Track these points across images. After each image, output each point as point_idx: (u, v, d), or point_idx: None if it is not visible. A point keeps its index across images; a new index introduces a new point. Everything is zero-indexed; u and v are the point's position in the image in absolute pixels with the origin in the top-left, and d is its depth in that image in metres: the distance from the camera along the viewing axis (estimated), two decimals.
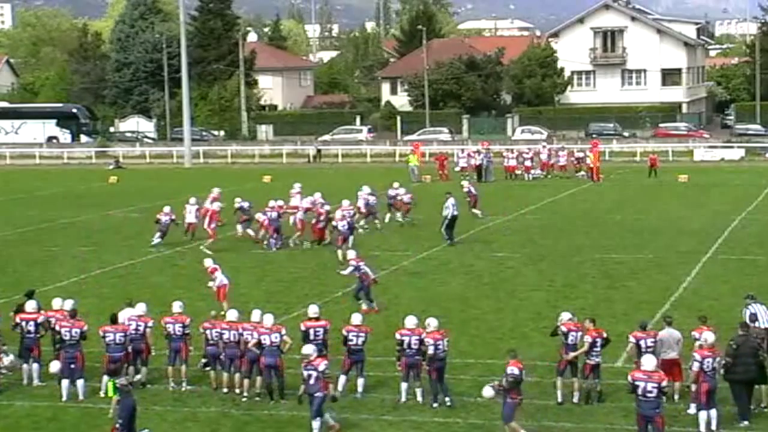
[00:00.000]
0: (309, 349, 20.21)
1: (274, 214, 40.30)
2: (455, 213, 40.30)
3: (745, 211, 48.76)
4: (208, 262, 29.39)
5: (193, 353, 23.15)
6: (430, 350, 21.44)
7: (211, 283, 28.82)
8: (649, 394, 18.47)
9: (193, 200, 43.34)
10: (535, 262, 37.02)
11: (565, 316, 22.00)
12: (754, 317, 21.69)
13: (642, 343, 21.10)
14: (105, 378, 22.20)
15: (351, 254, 30.56)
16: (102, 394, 22.11)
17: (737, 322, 21.57)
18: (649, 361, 18.90)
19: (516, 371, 19.35)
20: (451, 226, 40.30)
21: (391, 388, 22.20)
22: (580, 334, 21.56)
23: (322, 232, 40.47)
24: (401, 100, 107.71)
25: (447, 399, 21.53)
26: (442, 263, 37.05)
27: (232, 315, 22.78)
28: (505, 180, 64.35)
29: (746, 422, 20.26)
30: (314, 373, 19.61)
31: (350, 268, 29.60)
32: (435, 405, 21.47)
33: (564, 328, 21.72)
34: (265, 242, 40.23)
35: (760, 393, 20.94)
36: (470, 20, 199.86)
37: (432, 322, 21.90)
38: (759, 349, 20.61)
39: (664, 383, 18.50)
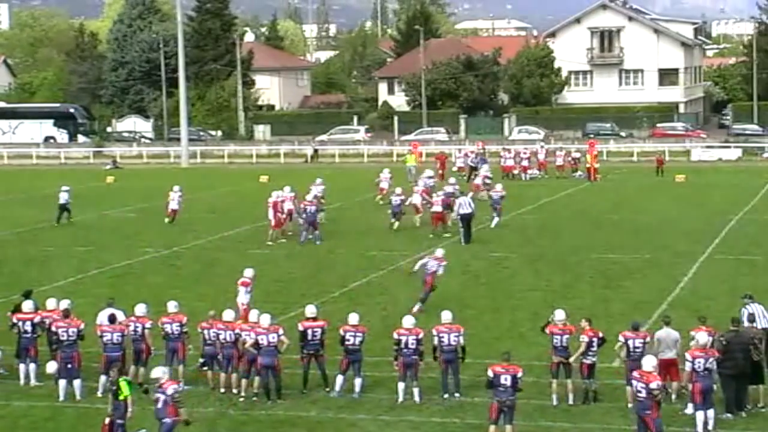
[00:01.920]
0: (158, 372, 18.80)
1: (312, 208, 41.18)
2: (466, 211, 40.52)
3: (743, 210, 48.78)
4: (249, 273, 27.52)
5: (191, 353, 23.15)
6: (434, 341, 21.76)
7: (244, 297, 26.91)
8: (639, 394, 18.52)
9: (176, 188, 46.72)
10: (532, 262, 37.03)
11: (560, 314, 21.98)
12: (752, 317, 21.68)
13: (630, 343, 21.11)
14: (102, 378, 22.21)
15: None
16: (99, 394, 22.12)
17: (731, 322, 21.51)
18: (647, 362, 18.92)
19: (490, 374, 19.39)
20: (465, 224, 40.57)
21: (389, 388, 22.20)
22: (566, 336, 21.57)
23: (442, 216, 42.10)
24: (398, 100, 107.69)
25: (456, 394, 21.70)
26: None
27: (228, 315, 22.77)
28: (502, 180, 64.27)
29: (730, 415, 20.33)
30: (162, 397, 18.29)
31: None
32: (446, 396, 21.68)
33: (547, 331, 21.83)
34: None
35: (758, 393, 20.96)
36: (467, 20, 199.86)
37: (444, 315, 22.12)
38: (750, 346, 20.61)
39: (653, 385, 18.37)
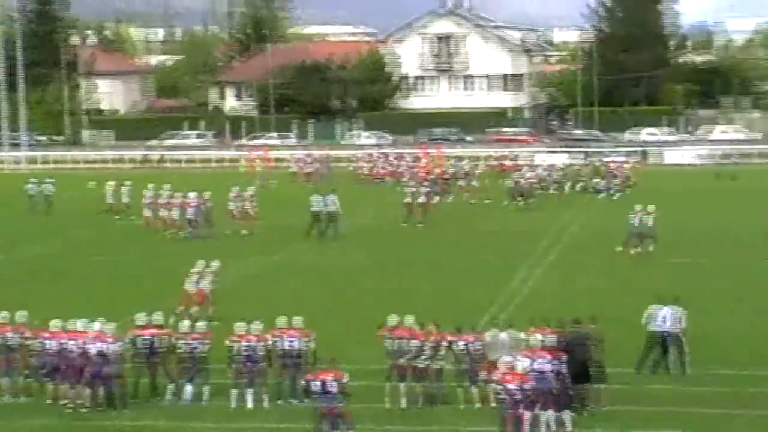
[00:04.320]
0: None
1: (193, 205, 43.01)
2: (328, 209, 42.38)
3: (579, 214, 49.82)
4: (215, 264, 29.51)
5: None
6: (279, 345, 21.77)
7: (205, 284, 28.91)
8: (499, 396, 18.75)
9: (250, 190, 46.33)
10: (376, 264, 37.22)
11: (407, 319, 22.01)
12: (594, 318, 21.93)
13: (454, 346, 21.43)
14: None
15: None
16: None
17: (569, 322, 21.85)
18: (504, 363, 19.19)
19: (316, 381, 19.26)
20: (328, 221, 42.38)
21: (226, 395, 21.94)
22: (406, 341, 21.53)
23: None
24: (244, 105, 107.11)
25: (294, 400, 21.57)
26: (286, 265, 36.96)
27: (58, 326, 22.20)
28: (348, 184, 64.46)
29: (571, 413, 20.59)
30: None
31: None
32: (291, 401, 21.61)
33: (386, 334, 21.86)
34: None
35: (599, 393, 21.25)
36: (310, 25, 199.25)
37: (295, 321, 22.17)
38: (590, 346, 20.99)
39: (510, 386, 18.60)
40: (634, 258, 37.26)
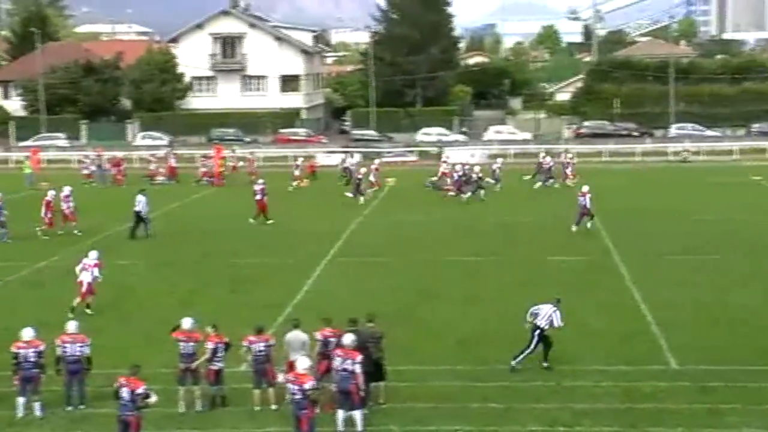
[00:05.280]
0: None
1: None
2: (134, 209, 43.38)
3: (362, 214, 50.21)
4: (93, 255, 30.36)
5: None
6: (58, 352, 21.38)
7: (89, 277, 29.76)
8: (294, 396, 18.78)
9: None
10: (160, 268, 36.59)
11: (186, 322, 21.79)
12: (371, 316, 22.01)
13: (254, 347, 21.35)
14: None
15: None
16: None
17: (357, 321, 21.90)
18: (301, 363, 19.19)
19: (115, 385, 18.99)
20: (139, 221, 43.34)
21: (8, 404, 21.26)
22: (191, 344, 21.47)
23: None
24: (14, 105, 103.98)
25: (81, 406, 21.28)
26: (63, 273, 35.77)
27: None
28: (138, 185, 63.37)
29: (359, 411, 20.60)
30: None
31: None
32: (69, 408, 21.18)
33: (173, 337, 21.63)
34: None
35: (379, 390, 21.46)
36: (87, 23, 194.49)
37: (70, 326, 21.81)
38: (369, 344, 21.11)
39: (307, 386, 18.66)
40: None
